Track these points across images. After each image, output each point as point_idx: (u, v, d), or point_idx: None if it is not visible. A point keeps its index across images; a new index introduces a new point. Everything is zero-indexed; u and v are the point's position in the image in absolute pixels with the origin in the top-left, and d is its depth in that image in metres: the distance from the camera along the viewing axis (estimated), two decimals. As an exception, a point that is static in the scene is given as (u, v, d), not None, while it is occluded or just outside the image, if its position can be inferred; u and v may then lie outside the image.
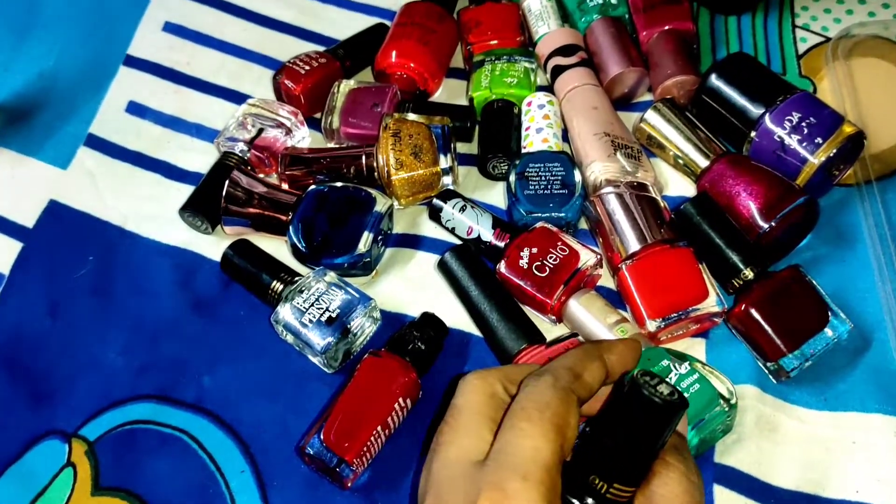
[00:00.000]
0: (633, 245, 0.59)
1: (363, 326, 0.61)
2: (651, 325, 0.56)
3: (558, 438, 0.34)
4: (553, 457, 0.33)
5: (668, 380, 0.45)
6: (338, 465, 0.52)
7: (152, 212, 0.71)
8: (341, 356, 0.60)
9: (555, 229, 0.61)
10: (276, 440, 0.58)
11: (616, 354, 0.39)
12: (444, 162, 0.67)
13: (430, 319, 0.59)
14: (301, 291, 0.59)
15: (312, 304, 0.59)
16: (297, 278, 0.62)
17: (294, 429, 0.58)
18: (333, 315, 0.58)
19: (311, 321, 0.58)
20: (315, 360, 0.60)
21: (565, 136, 0.69)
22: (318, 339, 0.58)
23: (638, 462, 0.35)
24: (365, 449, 0.53)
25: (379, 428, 0.54)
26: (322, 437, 0.53)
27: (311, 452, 0.53)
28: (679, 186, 0.66)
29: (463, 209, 0.64)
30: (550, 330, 0.60)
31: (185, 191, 0.71)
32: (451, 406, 0.38)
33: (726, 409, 0.51)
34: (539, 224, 0.61)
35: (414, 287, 0.64)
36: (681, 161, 0.64)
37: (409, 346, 0.57)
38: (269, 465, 0.57)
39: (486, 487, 0.33)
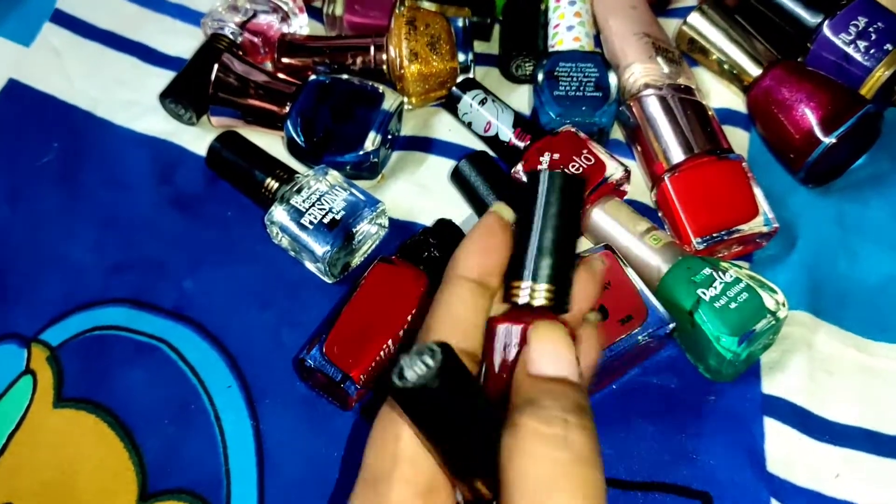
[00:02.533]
0: (678, 155, 0.53)
1: (368, 233, 0.54)
2: (696, 244, 0.50)
3: None
4: None
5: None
6: (342, 382, 0.46)
7: (127, 97, 0.62)
8: (341, 265, 0.53)
9: (582, 135, 0.54)
10: (267, 354, 0.51)
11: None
12: (464, 58, 0.59)
13: (446, 226, 0.53)
14: (299, 190, 0.52)
15: (313, 205, 0.52)
16: (295, 176, 0.54)
17: (288, 342, 0.51)
18: (337, 217, 0.51)
19: (311, 223, 0.51)
20: (312, 267, 0.53)
21: (596, 42, 0.62)
22: (319, 243, 0.51)
23: None
24: (373, 365, 0.47)
25: (389, 342, 0.47)
26: (324, 349, 0.46)
27: (312, 365, 0.46)
28: (723, 97, 0.59)
29: (483, 102, 0.57)
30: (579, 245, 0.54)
31: (164, 76, 0.62)
32: None
33: (773, 322, 0.45)
34: (565, 127, 0.55)
35: (424, 194, 0.57)
36: (727, 68, 0.58)
37: (424, 255, 0.51)
38: (259, 380, 0.50)
39: None
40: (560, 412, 0.26)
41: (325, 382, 0.47)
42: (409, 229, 0.55)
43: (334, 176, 0.54)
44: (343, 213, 0.52)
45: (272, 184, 0.54)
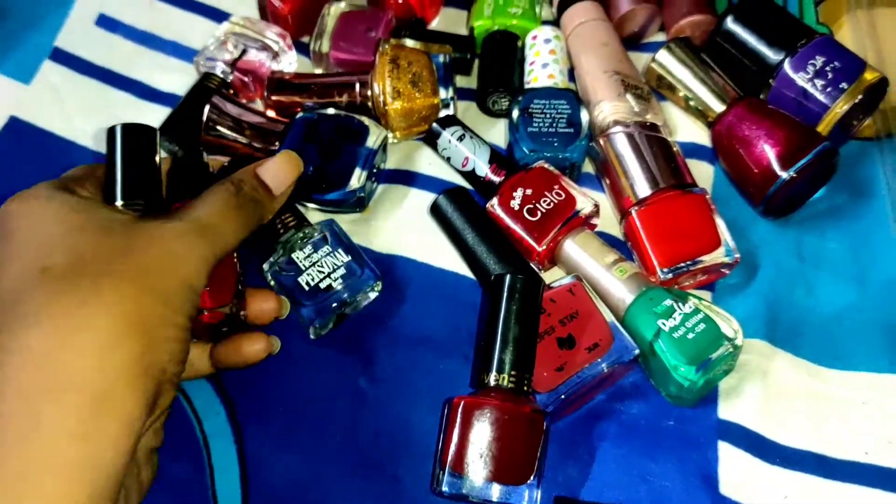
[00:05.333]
0: (644, 189, 0.55)
1: (361, 300, 0.56)
2: (661, 274, 0.53)
3: None
4: None
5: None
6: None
7: (124, 133, 0.65)
8: (331, 325, 0.55)
9: (555, 171, 0.57)
10: (252, 376, 0.54)
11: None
12: (445, 94, 0.62)
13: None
14: (301, 244, 0.54)
15: (314, 265, 0.54)
16: (304, 226, 0.55)
17: (273, 361, 0.54)
18: (333, 284, 0.53)
19: (307, 284, 0.53)
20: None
21: (570, 76, 0.65)
22: (310, 310, 0.53)
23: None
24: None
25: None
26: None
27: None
28: (690, 132, 0.62)
29: (461, 138, 0.60)
30: (552, 273, 0.57)
31: (160, 112, 0.66)
32: None
33: (731, 349, 0.48)
34: (539, 164, 0.57)
35: (406, 226, 0.60)
36: (693, 105, 0.61)
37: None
38: (244, 403, 0.53)
39: None
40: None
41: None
42: (391, 262, 0.58)
43: (341, 233, 0.55)
44: (340, 281, 0.53)
45: (280, 229, 0.55)
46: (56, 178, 0.45)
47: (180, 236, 0.42)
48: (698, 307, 0.50)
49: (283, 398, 0.53)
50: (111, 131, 0.46)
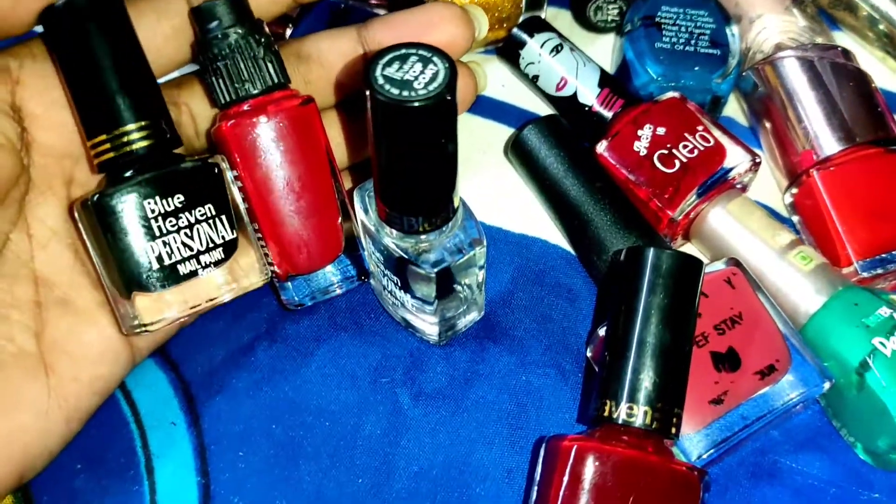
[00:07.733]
0: (831, 143, 0.38)
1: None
2: (858, 268, 0.36)
3: None
4: None
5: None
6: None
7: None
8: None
9: (694, 106, 0.39)
10: (230, 381, 0.35)
11: None
12: (534, -10, 0.44)
13: None
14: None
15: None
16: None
17: (263, 362, 0.36)
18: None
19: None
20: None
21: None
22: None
23: None
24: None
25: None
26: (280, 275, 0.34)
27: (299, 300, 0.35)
28: (878, 76, 0.44)
29: (557, 50, 0.42)
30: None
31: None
32: None
33: None
34: (669, 94, 0.39)
35: (472, 173, 0.42)
36: (884, 31, 0.43)
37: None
38: (216, 419, 0.34)
39: None
40: None
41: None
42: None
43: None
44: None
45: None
46: None
47: None
48: (931, 325, 0.32)
49: (279, 413, 0.35)
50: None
